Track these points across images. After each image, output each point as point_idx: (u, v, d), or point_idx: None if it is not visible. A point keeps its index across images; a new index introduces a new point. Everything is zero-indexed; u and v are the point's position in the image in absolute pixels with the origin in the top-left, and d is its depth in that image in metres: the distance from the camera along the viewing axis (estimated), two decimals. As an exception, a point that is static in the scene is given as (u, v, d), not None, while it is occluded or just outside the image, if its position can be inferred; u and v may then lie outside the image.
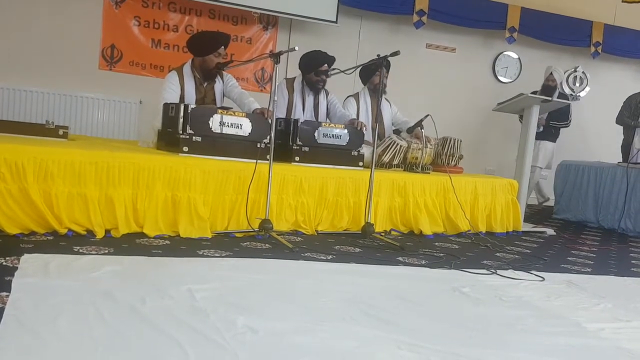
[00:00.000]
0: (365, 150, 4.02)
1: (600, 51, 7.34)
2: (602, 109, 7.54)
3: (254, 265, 2.63)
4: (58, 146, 3.08)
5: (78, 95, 5.53)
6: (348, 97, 4.84)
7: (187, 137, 3.37)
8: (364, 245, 3.38)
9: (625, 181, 5.39)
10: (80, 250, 2.57)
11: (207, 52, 3.92)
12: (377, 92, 4.63)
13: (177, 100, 3.79)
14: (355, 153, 3.96)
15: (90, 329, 1.63)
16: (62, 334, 1.57)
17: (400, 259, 3.10)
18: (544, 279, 2.89)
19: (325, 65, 4.36)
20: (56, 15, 5.45)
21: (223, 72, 4.05)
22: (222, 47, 3.95)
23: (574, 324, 2.13)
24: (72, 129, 4.73)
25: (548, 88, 6.16)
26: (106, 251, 2.61)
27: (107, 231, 2.96)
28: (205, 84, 4.01)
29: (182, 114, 3.38)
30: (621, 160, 5.87)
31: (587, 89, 7.81)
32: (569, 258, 3.66)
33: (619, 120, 6.16)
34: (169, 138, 3.54)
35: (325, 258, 2.93)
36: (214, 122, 3.42)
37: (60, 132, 3.66)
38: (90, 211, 2.91)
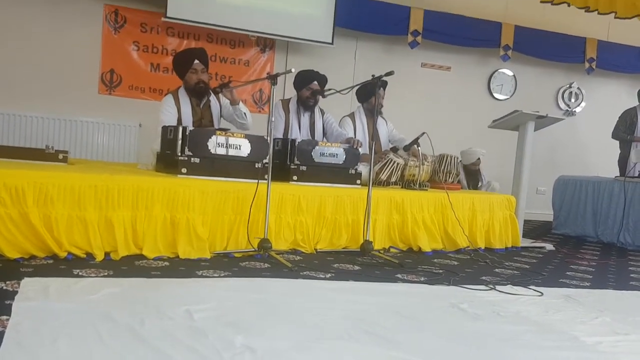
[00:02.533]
0: (363, 168, 4.05)
1: (594, 67, 7.43)
2: (598, 124, 7.60)
3: (253, 285, 2.63)
4: (58, 170, 3.11)
5: (78, 120, 5.59)
6: (344, 117, 4.89)
7: (186, 158, 3.40)
8: (363, 263, 3.39)
9: (623, 195, 5.41)
10: (80, 273, 2.58)
11: (184, 71, 3.97)
12: (373, 111, 4.70)
13: (174, 123, 3.84)
14: (353, 171, 3.99)
15: (90, 350, 1.64)
16: (62, 356, 1.58)
17: (399, 276, 3.11)
18: (542, 294, 2.89)
19: (316, 82, 4.43)
20: (56, 41, 5.54)
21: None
22: (196, 61, 3.95)
23: (572, 338, 2.13)
24: (72, 153, 4.79)
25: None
26: (105, 273, 2.62)
27: (107, 254, 2.97)
28: (201, 104, 4.06)
29: (180, 136, 3.42)
30: (618, 175, 5.90)
31: (583, 104, 7.89)
32: (567, 273, 3.67)
33: (615, 135, 6.21)
34: (168, 160, 3.57)
35: (324, 276, 2.93)
36: (213, 144, 3.46)
37: (60, 156, 3.70)
38: (90, 234, 2.93)
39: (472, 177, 6.03)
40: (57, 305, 2.05)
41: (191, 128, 3.47)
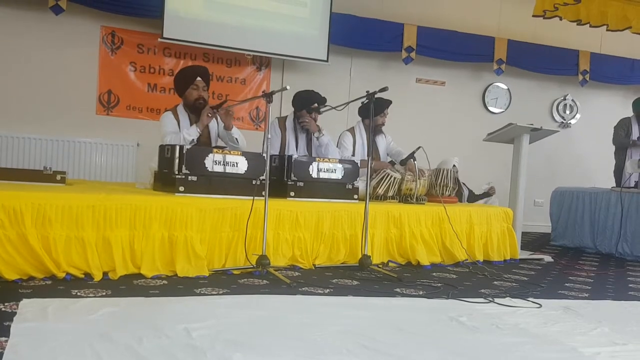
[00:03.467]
0: (360, 183, 4.07)
1: (588, 79, 7.50)
2: (594, 135, 7.65)
3: (251, 302, 2.64)
4: (56, 191, 3.12)
5: (76, 141, 5.61)
6: (344, 131, 4.93)
7: (183, 177, 3.42)
8: (362, 278, 3.39)
9: (620, 206, 5.43)
10: (78, 294, 2.58)
11: (185, 86, 4.00)
12: (376, 130, 4.76)
13: (178, 133, 3.86)
14: (350, 186, 4.01)
15: (88, 370, 1.64)
16: (60, 376, 1.58)
17: (398, 290, 3.11)
18: (541, 305, 2.89)
19: (316, 104, 4.45)
20: (53, 62, 5.58)
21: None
22: (199, 78, 3.99)
23: (570, 349, 2.14)
24: (70, 173, 4.79)
25: None
26: (104, 293, 2.62)
27: (105, 273, 2.97)
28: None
29: (177, 154, 3.44)
30: (614, 185, 5.92)
31: (578, 116, 7.94)
32: (566, 284, 3.67)
33: (615, 141, 6.17)
34: (165, 179, 3.59)
35: (323, 292, 2.94)
36: (210, 162, 3.48)
37: (58, 177, 3.71)
38: (88, 254, 2.93)
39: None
40: (55, 325, 2.05)
41: (188, 146, 3.50)
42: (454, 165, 5.96)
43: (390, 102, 4.84)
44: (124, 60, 5.86)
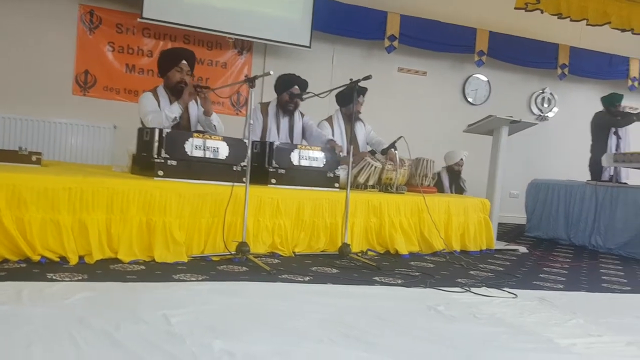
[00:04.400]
0: (341, 172, 4.06)
1: (567, 73, 7.59)
2: (570, 129, 7.77)
3: (231, 289, 2.62)
4: (31, 172, 3.05)
5: (52, 121, 5.49)
6: (322, 121, 4.90)
7: (162, 161, 3.36)
8: (341, 266, 3.40)
9: (595, 199, 5.53)
10: (54, 277, 2.54)
11: (169, 67, 3.93)
12: (350, 116, 4.73)
13: (159, 108, 3.79)
14: (331, 175, 4.00)
15: (64, 356, 1.61)
16: (35, 362, 1.55)
17: (376, 278, 3.12)
18: (516, 295, 2.94)
19: (296, 87, 4.43)
20: (29, 41, 5.43)
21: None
22: (184, 61, 3.92)
23: (546, 339, 2.17)
24: (46, 154, 4.69)
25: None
26: (80, 277, 2.58)
27: (81, 257, 2.93)
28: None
29: (157, 138, 3.38)
30: (590, 179, 6.03)
31: (555, 109, 8.04)
32: (541, 275, 3.73)
33: (601, 124, 6.14)
34: (144, 162, 3.53)
35: (302, 279, 2.94)
36: (190, 146, 3.43)
37: (34, 158, 3.62)
38: (64, 237, 2.88)
39: (455, 177, 6.20)
40: (30, 309, 2.01)
41: (168, 129, 3.44)
42: (462, 159, 6.06)
43: (365, 89, 4.80)
44: (102, 40, 5.73)
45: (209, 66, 6.18)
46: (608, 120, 6.11)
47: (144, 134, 3.54)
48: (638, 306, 3.02)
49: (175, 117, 3.77)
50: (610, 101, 6.16)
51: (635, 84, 7.86)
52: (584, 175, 6.28)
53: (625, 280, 3.81)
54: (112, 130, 5.73)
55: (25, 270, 2.64)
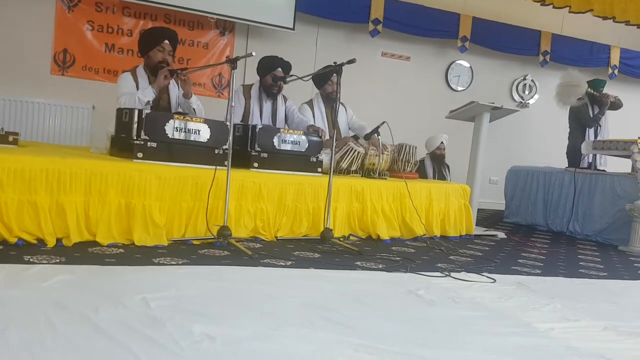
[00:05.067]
0: (324, 157, 4.05)
1: (548, 60, 7.64)
2: (550, 116, 7.83)
3: (212, 273, 2.60)
4: (8, 153, 2.97)
5: (29, 101, 5.38)
6: (302, 104, 4.86)
7: (142, 142, 3.31)
8: (323, 251, 3.40)
9: (573, 186, 5.61)
10: (31, 260, 2.49)
11: (151, 46, 3.85)
12: (330, 99, 4.70)
13: (136, 90, 3.72)
14: (314, 159, 3.99)
15: (42, 339, 1.58)
16: (12, 345, 1.53)
17: (358, 263, 3.13)
18: (495, 280, 2.97)
19: (280, 69, 4.38)
20: (6, 18, 5.29)
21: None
22: (167, 41, 3.86)
23: (524, 324, 2.20)
24: (23, 135, 4.60)
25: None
26: (57, 260, 2.54)
27: (59, 240, 2.88)
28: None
29: (136, 119, 3.32)
30: (568, 165, 6.10)
31: (536, 96, 8.10)
32: (519, 260, 3.78)
33: (584, 120, 6.12)
34: (123, 144, 3.47)
35: (284, 264, 2.93)
36: (170, 128, 3.38)
37: (11, 138, 3.53)
38: (41, 219, 2.83)
39: (438, 162, 6.19)
40: (6, 292, 1.98)
41: (147, 110, 3.38)
42: (442, 142, 6.07)
43: (340, 69, 4.70)
44: (81, 19, 5.60)
45: (190, 46, 6.09)
46: (580, 119, 6.16)
47: (123, 115, 3.48)
48: (614, 291, 3.08)
49: (149, 100, 3.70)
50: (594, 85, 6.22)
51: (616, 71, 7.95)
52: (563, 162, 6.36)
53: (602, 266, 3.88)
54: (90, 110, 5.63)
55: (2, 253, 2.59)
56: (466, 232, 4.67)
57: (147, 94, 3.70)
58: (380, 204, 4.12)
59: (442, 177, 6.12)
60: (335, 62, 3.68)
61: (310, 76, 3.87)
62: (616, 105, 6.14)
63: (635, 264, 4.14)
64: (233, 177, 3.30)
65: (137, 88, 3.79)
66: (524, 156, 7.59)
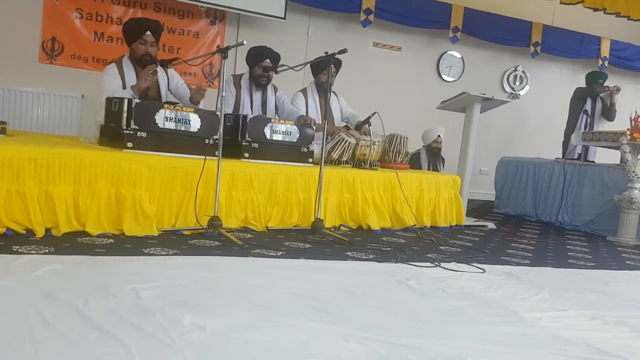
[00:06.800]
0: (315, 147, 4.04)
1: (539, 51, 7.64)
2: (541, 107, 7.88)
3: (202, 263, 2.60)
4: (-6, 142, 2.95)
5: (17, 90, 5.31)
6: (296, 92, 4.85)
7: (132, 132, 3.29)
8: (314, 241, 3.40)
9: (563, 177, 5.64)
10: (20, 250, 2.48)
11: (133, 39, 3.81)
12: (323, 89, 4.69)
13: (120, 90, 3.69)
14: (305, 149, 3.98)
15: (31, 330, 1.58)
16: (1, 336, 1.52)
17: (349, 253, 3.14)
18: (484, 270, 3.00)
19: (268, 60, 4.36)
20: (-9, 5, 5.21)
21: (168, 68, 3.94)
22: (148, 32, 3.80)
23: (513, 313, 2.22)
24: (11, 124, 4.54)
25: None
26: (47, 250, 2.53)
27: (48, 230, 2.86)
28: None
29: (125, 108, 3.29)
30: (559, 157, 6.13)
31: (527, 87, 8.12)
32: (508, 250, 3.81)
33: (579, 96, 6.25)
34: (112, 133, 3.44)
35: (275, 254, 2.93)
36: (160, 117, 3.36)
37: (-2, 127, 3.51)
38: (30, 209, 2.81)
39: (434, 155, 6.23)
40: (-6, 283, 1.96)
41: (137, 100, 3.35)
42: (439, 136, 6.08)
43: (340, 62, 4.70)
44: (70, 7, 5.53)
45: (180, 35, 6.04)
46: (587, 91, 6.19)
47: (113, 104, 3.45)
48: (602, 281, 3.10)
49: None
50: (594, 77, 6.24)
51: (606, 63, 7.98)
52: (553, 153, 6.39)
53: (590, 257, 3.92)
54: (79, 99, 5.58)
55: (-10, 243, 2.58)
56: (456, 223, 4.69)
57: (126, 95, 3.63)
58: (371, 195, 4.12)
59: (435, 171, 6.15)
60: (326, 52, 3.67)
61: (302, 66, 3.84)
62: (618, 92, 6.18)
63: (623, 254, 4.19)
64: (224, 167, 3.29)
65: (123, 81, 3.75)
66: (514, 147, 7.62)
